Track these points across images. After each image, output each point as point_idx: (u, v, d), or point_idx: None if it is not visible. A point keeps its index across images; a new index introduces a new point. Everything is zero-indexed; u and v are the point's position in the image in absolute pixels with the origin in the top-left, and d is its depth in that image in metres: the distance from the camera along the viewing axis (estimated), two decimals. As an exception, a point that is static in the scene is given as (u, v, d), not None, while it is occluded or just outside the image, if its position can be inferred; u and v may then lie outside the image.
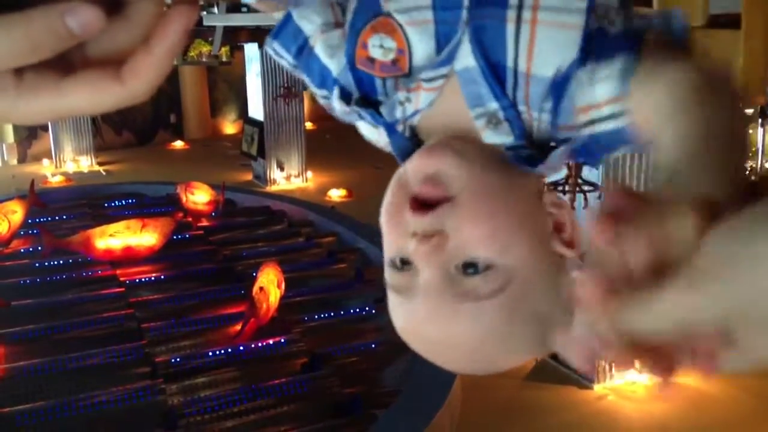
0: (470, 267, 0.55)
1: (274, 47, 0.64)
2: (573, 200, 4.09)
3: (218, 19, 8.39)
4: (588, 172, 4.27)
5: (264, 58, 10.65)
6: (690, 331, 0.35)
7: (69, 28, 0.31)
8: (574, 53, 0.53)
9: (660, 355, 0.36)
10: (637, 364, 0.38)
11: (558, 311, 0.58)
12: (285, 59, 0.65)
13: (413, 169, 0.56)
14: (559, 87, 0.55)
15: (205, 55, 12.38)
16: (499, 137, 0.56)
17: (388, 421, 3.76)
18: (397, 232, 0.56)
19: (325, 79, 0.63)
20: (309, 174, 11.06)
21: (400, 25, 0.56)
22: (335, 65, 0.61)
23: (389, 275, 0.58)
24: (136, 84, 0.34)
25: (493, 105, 0.56)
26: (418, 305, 0.57)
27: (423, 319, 0.57)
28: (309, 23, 0.61)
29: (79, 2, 0.31)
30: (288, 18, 0.62)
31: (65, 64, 0.34)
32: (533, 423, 4.58)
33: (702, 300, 0.33)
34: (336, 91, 0.62)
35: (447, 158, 0.56)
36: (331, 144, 11.54)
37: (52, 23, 0.31)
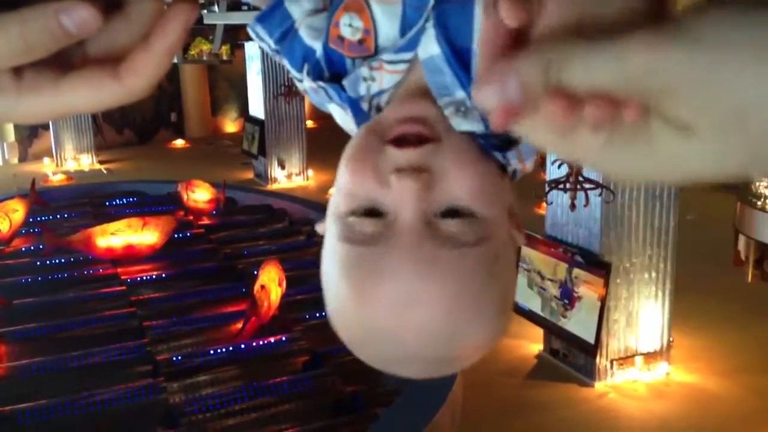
0: (452, 214, 0.52)
1: (256, 30, 0.63)
2: (574, 198, 4.08)
3: (219, 17, 8.38)
4: (589, 171, 4.26)
5: (265, 56, 10.64)
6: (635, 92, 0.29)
7: (64, 27, 0.31)
8: None
9: (576, 104, 0.30)
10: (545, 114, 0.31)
11: (514, 291, 0.57)
12: (266, 42, 0.63)
13: (394, 114, 0.53)
14: None
15: (206, 54, 12.38)
16: (469, 125, 0.54)
17: (389, 419, 3.76)
18: (368, 176, 0.52)
19: (306, 62, 0.62)
20: (310, 172, 11.06)
21: (369, 5, 0.55)
22: (319, 46, 0.60)
23: (347, 227, 0.52)
24: (135, 82, 0.33)
25: (460, 93, 0.54)
26: (392, 253, 0.51)
27: (396, 268, 0.50)
28: (298, 8, 0.61)
29: (74, 1, 0.31)
30: (277, 3, 0.62)
31: (64, 62, 0.34)
32: (534, 421, 4.59)
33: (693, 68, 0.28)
34: (306, 67, 0.60)
35: (429, 106, 0.54)
36: (331, 142, 11.53)
37: (47, 22, 0.31)
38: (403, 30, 0.55)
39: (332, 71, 0.60)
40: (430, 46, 0.54)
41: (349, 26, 0.56)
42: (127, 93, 0.34)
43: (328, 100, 0.61)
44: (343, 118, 0.63)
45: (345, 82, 0.58)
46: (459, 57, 0.54)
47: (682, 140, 0.30)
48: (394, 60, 0.56)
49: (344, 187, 0.54)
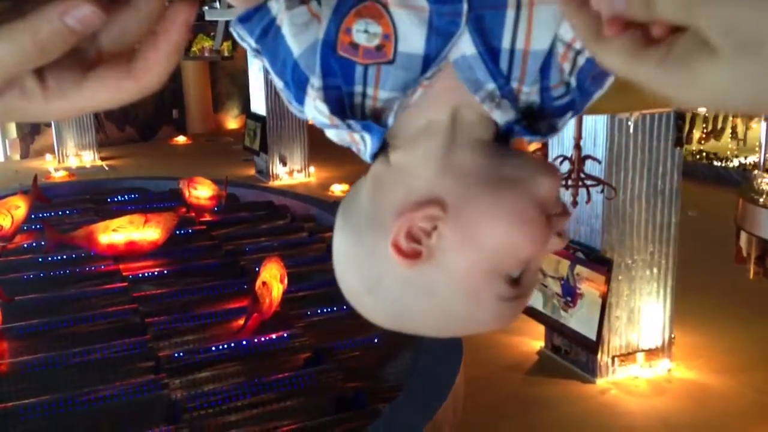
0: None
1: (237, 31, 0.62)
2: (576, 194, 4.08)
3: (220, 13, 8.38)
4: (590, 167, 4.26)
5: (266, 52, 10.64)
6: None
7: (70, 27, 0.34)
8: (559, 22, 0.56)
9: None
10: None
11: None
12: (247, 42, 0.61)
13: (551, 190, 0.58)
14: (549, 54, 0.58)
15: (208, 50, 12.37)
16: (506, 115, 0.58)
17: (391, 415, 3.77)
18: (540, 245, 0.57)
19: (284, 65, 0.59)
20: (312, 169, 11.06)
21: (388, 11, 0.55)
22: (297, 46, 0.57)
23: (506, 291, 0.57)
24: (148, 78, 0.37)
25: (491, 85, 0.57)
26: (524, 301, 0.60)
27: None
28: (276, 2, 0.58)
29: (75, 0, 0.34)
30: (262, 2, 0.59)
31: (82, 59, 0.37)
32: (535, 417, 4.59)
33: None
34: (321, 94, 0.57)
35: None
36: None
37: (54, 25, 0.34)
38: (430, 36, 0.55)
39: (331, 80, 0.57)
40: (464, 48, 0.56)
41: (364, 32, 0.55)
42: (142, 89, 0.37)
43: (344, 130, 0.59)
44: (341, 136, 0.61)
45: (389, 120, 0.57)
46: (492, 55, 0.57)
47: (712, 62, 0.35)
48: (432, 73, 0.56)
49: (520, 256, 0.57)
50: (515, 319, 0.60)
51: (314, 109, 0.59)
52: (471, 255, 0.55)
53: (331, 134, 0.62)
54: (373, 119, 0.57)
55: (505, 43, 0.56)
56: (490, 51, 0.56)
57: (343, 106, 0.58)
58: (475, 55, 0.56)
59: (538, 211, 0.56)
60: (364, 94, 0.58)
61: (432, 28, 0.55)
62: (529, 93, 0.59)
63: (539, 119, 0.60)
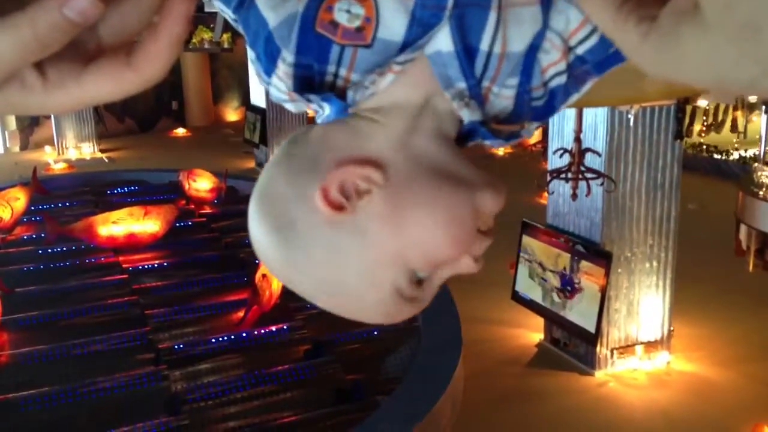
0: None
1: (215, 2, 0.62)
2: (575, 187, 4.08)
3: (220, 5, 8.36)
4: (590, 160, 4.26)
5: (266, 44, 10.62)
6: None
7: (69, 19, 0.33)
8: (540, 24, 0.56)
9: None
10: None
11: None
12: (226, 13, 0.61)
13: (493, 208, 0.57)
14: (529, 56, 0.58)
15: (207, 42, 12.33)
16: (473, 114, 0.58)
17: (390, 407, 3.78)
18: (458, 253, 0.56)
19: (257, 36, 0.58)
20: (311, 161, 11.06)
21: None
22: (274, 17, 0.57)
23: (405, 287, 0.56)
24: (149, 70, 0.37)
25: (461, 84, 0.57)
26: (414, 309, 0.59)
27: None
28: None
29: None
30: None
31: (81, 51, 0.36)
32: (534, 409, 4.60)
33: None
34: (291, 70, 0.57)
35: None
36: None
37: (54, 17, 0.33)
38: (410, 27, 0.55)
39: (304, 56, 0.57)
40: (441, 42, 0.56)
41: (346, 12, 0.55)
42: (144, 81, 0.37)
43: (303, 103, 0.59)
44: (299, 108, 0.61)
45: (354, 98, 0.57)
46: (468, 54, 0.56)
47: (705, 39, 0.34)
48: (405, 60, 0.56)
49: (435, 256, 0.55)
50: (396, 320, 0.58)
51: (274, 86, 0.59)
52: (391, 233, 0.54)
53: (289, 106, 0.61)
54: (337, 95, 0.57)
55: (484, 45, 0.56)
56: (466, 50, 0.56)
57: (310, 84, 0.57)
58: (452, 53, 0.56)
59: (471, 219, 0.55)
60: (336, 75, 0.57)
61: (414, 18, 0.55)
62: (499, 94, 0.59)
63: (505, 123, 0.60)
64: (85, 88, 0.36)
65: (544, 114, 0.61)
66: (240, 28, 0.61)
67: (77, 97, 0.37)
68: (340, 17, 0.55)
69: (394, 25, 0.55)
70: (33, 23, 0.33)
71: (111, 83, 0.37)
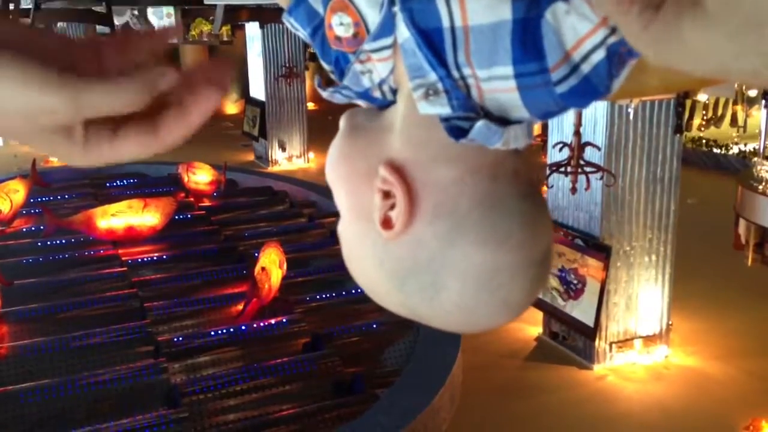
0: None
1: (290, 21, 0.64)
2: (575, 181, 4.08)
3: (219, -3, 8.33)
4: (590, 154, 4.26)
5: (265, 37, 10.58)
6: None
7: (158, 89, 0.39)
8: None
9: None
10: None
11: None
12: (301, 32, 0.63)
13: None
14: (526, 29, 0.49)
15: (206, 35, 12.29)
16: (433, 108, 0.54)
17: (389, 400, 3.78)
18: None
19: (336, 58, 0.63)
20: (311, 154, 11.04)
21: (351, 0, 0.57)
22: (311, 39, 0.63)
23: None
24: (172, 141, 0.42)
25: (433, 76, 0.54)
26: None
27: None
28: (320, 6, 0.60)
29: (166, 67, 0.40)
30: None
31: (114, 118, 0.41)
32: (533, 403, 4.62)
33: None
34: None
35: None
36: (333, 124, 11.54)
37: (153, 86, 0.39)
38: (384, 19, 0.56)
39: (337, 67, 0.61)
40: (403, 30, 0.54)
41: (340, 25, 0.58)
42: (163, 148, 0.43)
43: (347, 99, 0.63)
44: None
45: (346, 82, 0.59)
46: (428, 39, 0.53)
47: (707, 31, 0.35)
48: (376, 48, 0.56)
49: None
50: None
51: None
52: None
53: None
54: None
55: (445, 21, 0.51)
56: (427, 33, 0.52)
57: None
58: (410, 39, 0.53)
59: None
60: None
61: (382, 8, 0.55)
62: (489, 78, 0.52)
63: (516, 117, 0.53)
64: (113, 150, 0.42)
65: (580, 98, 0.51)
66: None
67: (108, 157, 0.42)
68: (339, 31, 0.58)
69: (375, 20, 0.56)
70: (141, 85, 0.39)
71: (137, 149, 0.42)
